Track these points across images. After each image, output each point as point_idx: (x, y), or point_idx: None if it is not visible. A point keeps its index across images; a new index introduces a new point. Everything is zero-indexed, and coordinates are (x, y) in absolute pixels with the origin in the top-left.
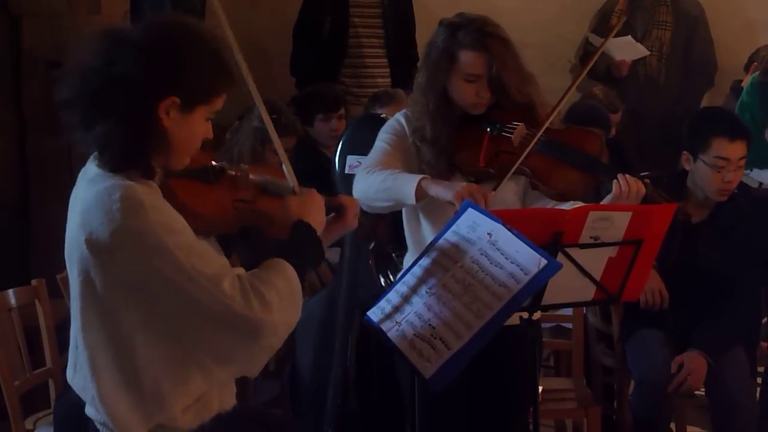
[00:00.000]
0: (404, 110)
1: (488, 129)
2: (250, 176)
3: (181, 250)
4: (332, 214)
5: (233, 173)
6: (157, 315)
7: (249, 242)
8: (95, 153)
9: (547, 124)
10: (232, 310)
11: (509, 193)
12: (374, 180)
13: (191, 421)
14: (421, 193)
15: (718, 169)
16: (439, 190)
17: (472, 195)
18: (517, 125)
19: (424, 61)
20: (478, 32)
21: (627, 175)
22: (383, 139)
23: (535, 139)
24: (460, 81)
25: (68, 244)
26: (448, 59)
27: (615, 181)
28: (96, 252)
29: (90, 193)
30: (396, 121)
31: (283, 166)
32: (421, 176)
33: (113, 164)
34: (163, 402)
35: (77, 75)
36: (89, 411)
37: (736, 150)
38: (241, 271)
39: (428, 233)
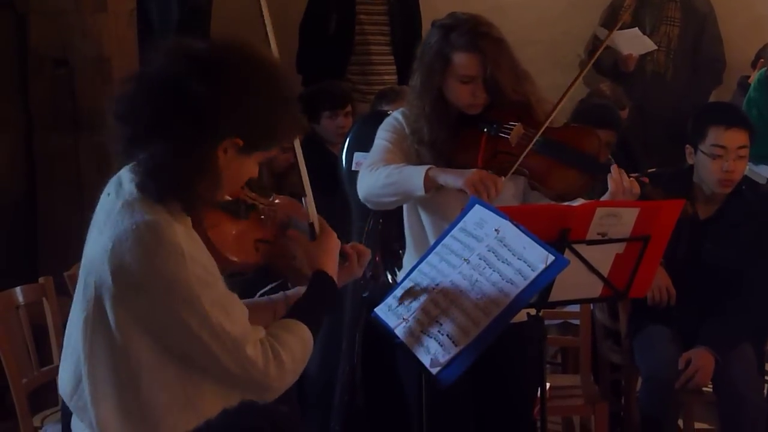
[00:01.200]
0: (402, 109)
1: (485, 129)
2: (277, 214)
3: (212, 306)
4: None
5: (262, 208)
6: (170, 360)
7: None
8: (135, 170)
9: (546, 125)
10: (251, 375)
11: (508, 194)
12: (379, 176)
13: None
14: (429, 183)
15: (715, 157)
16: (449, 178)
17: (482, 181)
18: (515, 125)
19: (419, 64)
20: (471, 33)
21: (621, 171)
22: (383, 137)
23: (534, 140)
24: (455, 82)
25: (88, 260)
26: (442, 61)
27: (610, 175)
28: (122, 285)
29: (126, 221)
30: (395, 119)
31: (303, 201)
32: (428, 166)
33: (157, 194)
34: None
35: (137, 86)
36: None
37: (733, 138)
38: (263, 333)
39: (429, 230)
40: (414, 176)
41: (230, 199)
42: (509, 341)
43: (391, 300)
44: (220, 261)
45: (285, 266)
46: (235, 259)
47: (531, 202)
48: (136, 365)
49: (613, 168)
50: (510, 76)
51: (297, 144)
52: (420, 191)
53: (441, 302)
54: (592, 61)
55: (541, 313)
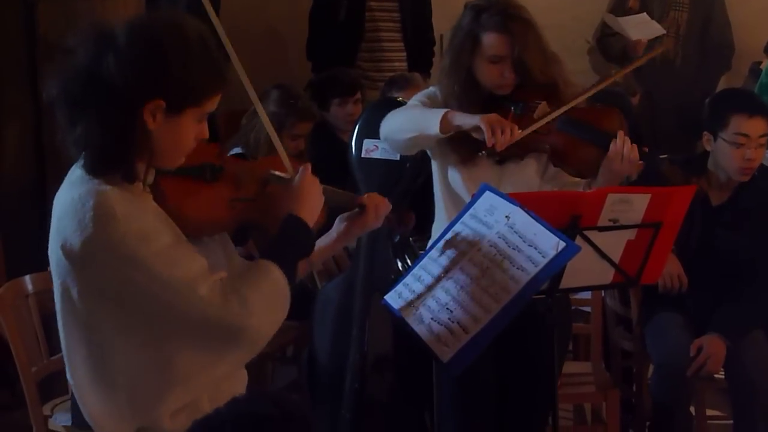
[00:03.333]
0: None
1: (512, 108)
2: (253, 172)
3: (154, 257)
4: (355, 210)
5: (232, 168)
6: (134, 323)
7: (252, 236)
8: (77, 151)
9: (569, 106)
10: (210, 314)
11: (530, 170)
12: (401, 114)
13: (183, 424)
14: (446, 125)
15: (738, 145)
16: (466, 119)
17: (499, 121)
18: (539, 103)
19: (450, 45)
20: (501, 14)
21: (626, 137)
22: (418, 99)
23: (553, 115)
24: (485, 63)
25: (50, 246)
26: (471, 42)
27: (612, 140)
28: (70, 260)
29: (67, 197)
30: (431, 89)
31: (279, 152)
32: (446, 109)
33: (93, 167)
34: (139, 410)
35: (64, 71)
36: None
37: (756, 126)
38: (223, 274)
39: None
40: (432, 115)
41: (195, 165)
42: (531, 326)
43: (401, 287)
44: (189, 224)
45: (273, 221)
46: (206, 219)
47: (550, 179)
48: (104, 333)
49: (619, 134)
50: (538, 58)
51: (250, 91)
52: (435, 129)
53: (451, 289)
54: (628, 69)
55: (552, 299)
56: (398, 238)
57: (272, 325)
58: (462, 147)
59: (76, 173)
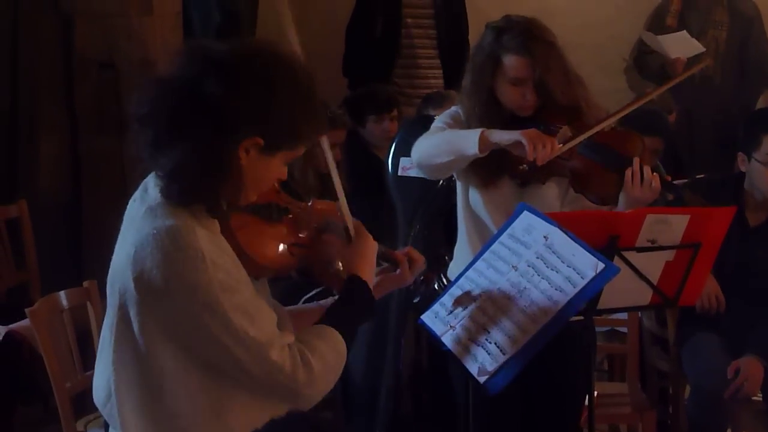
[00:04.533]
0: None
1: None
2: (311, 217)
3: (235, 311)
4: (389, 266)
5: (297, 212)
6: (193, 369)
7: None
8: (158, 174)
9: (592, 132)
10: (278, 380)
11: (551, 194)
12: (434, 138)
13: None
14: (484, 142)
15: None
16: (504, 135)
17: (539, 135)
18: (561, 127)
19: (471, 65)
20: (523, 36)
21: (642, 165)
22: (442, 121)
23: (576, 140)
24: (506, 84)
25: (113, 269)
26: (492, 63)
27: (628, 167)
28: (143, 292)
29: (148, 226)
30: (455, 110)
31: (338, 204)
32: (482, 129)
33: (180, 197)
34: None
35: (157, 88)
36: None
37: None
38: (291, 339)
39: (482, 233)
40: (469, 135)
41: (262, 203)
42: (559, 347)
43: (438, 307)
44: (251, 266)
45: (323, 271)
46: (268, 263)
47: (570, 204)
48: (160, 373)
49: (635, 160)
50: (560, 80)
51: (326, 145)
52: (474, 149)
53: (488, 310)
54: (661, 90)
55: (590, 321)
56: (419, 299)
57: (328, 390)
58: (483, 170)
59: (153, 197)
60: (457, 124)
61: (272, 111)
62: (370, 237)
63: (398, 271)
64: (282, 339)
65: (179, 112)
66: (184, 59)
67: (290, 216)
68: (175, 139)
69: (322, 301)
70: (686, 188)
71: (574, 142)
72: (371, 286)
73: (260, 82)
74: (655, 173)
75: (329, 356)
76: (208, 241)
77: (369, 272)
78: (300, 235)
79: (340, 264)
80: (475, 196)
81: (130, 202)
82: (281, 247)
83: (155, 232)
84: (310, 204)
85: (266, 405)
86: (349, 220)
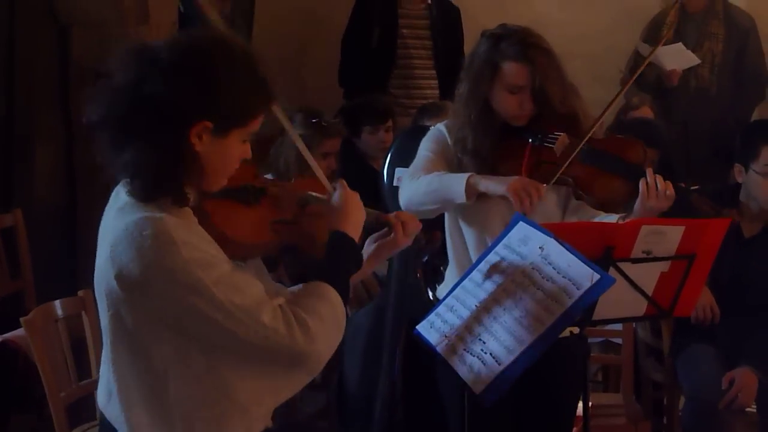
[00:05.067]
0: (445, 121)
1: (530, 140)
2: (291, 193)
3: (216, 285)
4: (384, 230)
5: (274, 190)
6: (194, 351)
7: (294, 255)
8: (121, 176)
9: (590, 134)
10: (274, 342)
11: (550, 203)
12: (421, 184)
13: None
14: (471, 190)
15: None
16: (490, 185)
17: (524, 188)
18: (559, 135)
19: (466, 72)
20: (522, 43)
21: (656, 175)
22: (426, 147)
23: (579, 148)
24: (503, 92)
25: (97, 274)
26: (490, 70)
27: (642, 178)
28: (127, 288)
29: (120, 224)
30: (438, 130)
31: (316, 172)
32: (469, 174)
33: (144, 193)
34: None
35: (106, 94)
36: None
37: None
38: (281, 300)
39: (471, 246)
40: (455, 183)
41: (236, 186)
42: (552, 358)
43: (433, 317)
44: (234, 247)
45: (311, 243)
46: (250, 242)
47: (572, 212)
48: (160, 362)
49: (648, 171)
50: (558, 88)
51: (280, 112)
52: (461, 198)
53: (484, 320)
54: (634, 77)
55: (585, 331)
56: (426, 258)
57: (332, 348)
58: None
59: (122, 199)
60: (441, 147)
61: (213, 93)
62: (355, 194)
63: (393, 234)
64: (271, 302)
65: (126, 114)
66: (124, 63)
67: (268, 196)
68: (128, 140)
69: None
70: (694, 192)
71: (563, 168)
72: (354, 237)
73: (196, 69)
74: (668, 181)
75: (323, 309)
76: (177, 225)
77: (351, 224)
78: (282, 212)
79: (323, 236)
80: (470, 207)
81: (105, 210)
82: (262, 225)
83: (125, 227)
84: (291, 182)
85: (273, 377)
86: (327, 186)
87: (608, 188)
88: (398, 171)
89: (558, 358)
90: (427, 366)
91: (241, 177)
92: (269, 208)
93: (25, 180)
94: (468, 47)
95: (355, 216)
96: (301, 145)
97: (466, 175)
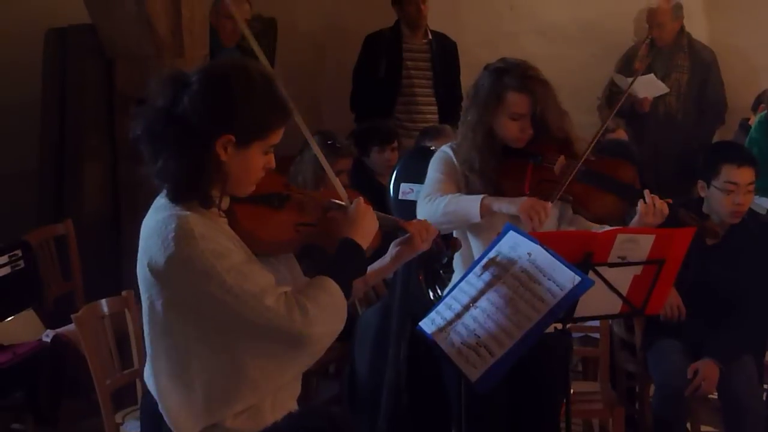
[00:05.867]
0: (451, 143)
1: (531, 161)
2: (315, 200)
3: (228, 272)
4: (406, 236)
5: (299, 197)
6: (210, 331)
7: (312, 256)
8: (157, 181)
9: (585, 156)
10: (277, 324)
11: (552, 217)
12: (438, 206)
13: (243, 425)
14: (485, 210)
15: (728, 192)
16: (503, 206)
17: (533, 207)
18: (558, 158)
19: (473, 102)
20: (523, 76)
21: (653, 195)
22: (436, 169)
23: (577, 168)
24: (506, 119)
25: (138, 265)
26: (495, 100)
27: (641, 200)
28: (156, 275)
29: (152, 221)
30: (444, 153)
31: (335, 184)
32: (482, 196)
33: (174, 195)
34: (212, 409)
35: (146, 114)
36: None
37: (744, 175)
38: (287, 288)
39: (477, 253)
40: (470, 205)
41: (265, 193)
42: (541, 352)
43: (434, 315)
44: (259, 244)
45: (332, 245)
46: (274, 240)
47: (569, 225)
48: (185, 341)
49: (646, 192)
50: (555, 115)
51: (301, 122)
52: (476, 218)
53: (479, 317)
54: (617, 107)
55: (567, 327)
56: (446, 259)
57: (330, 334)
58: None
59: (160, 201)
60: (449, 168)
61: (235, 111)
62: (369, 208)
63: (412, 240)
64: (277, 289)
65: (162, 130)
66: (162, 87)
67: (292, 201)
68: (162, 151)
69: None
70: (681, 207)
71: (563, 187)
72: (363, 245)
73: (220, 89)
74: (663, 201)
75: (322, 298)
76: (200, 222)
77: (360, 233)
78: (305, 216)
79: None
80: (475, 225)
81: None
82: (286, 226)
83: (156, 223)
84: (314, 192)
85: (279, 356)
86: (342, 194)
87: (602, 204)
88: (403, 186)
89: (544, 350)
90: (429, 358)
91: (272, 185)
92: (294, 212)
93: (75, 194)
94: (464, 77)
95: (365, 227)
96: (321, 158)
97: (479, 197)
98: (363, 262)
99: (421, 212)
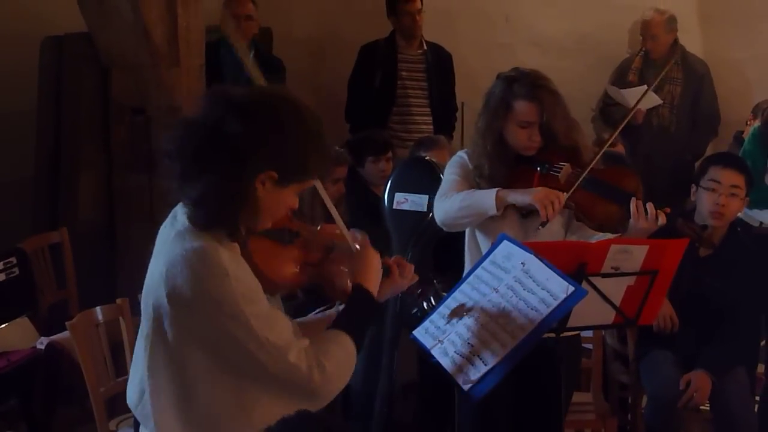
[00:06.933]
0: (466, 149)
1: (538, 168)
2: (319, 239)
3: (256, 319)
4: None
5: (306, 235)
6: (223, 371)
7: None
8: (185, 203)
9: (592, 165)
10: (296, 379)
11: (556, 224)
12: (454, 201)
13: None
14: (500, 203)
15: (711, 191)
16: (518, 197)
17: (547, 196)
18: (564, 165)
19: (483, 109)
20: (532, 85)
21: (648, 203)
22: (452, 172)
23: (582, 178)
24: (515, 127)
25: (147, 286)
26: (504, 108)
27: (632, 203)
28: (175, 306)
29: (178, 248)
30: (460, 157)
31: (338, 224)
32: (497, 189)
33: (204, 223)
34: None
35: (184, 127)
36: None
37: (727, 175)
38: (306, 342)
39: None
40: (486, 198)
41: (276, 227)
42: (545, 359)
43: (427, 323)
44: (266, 283)
45: (331, 287)
46: (281, 280)
47: (574, 232)
48: (193, 376)
49: (633, 199)
50: (563, 124)
51: (318, 183)
52: (492, 210)
53: (472, 326)
54: (625, 122)
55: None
56: (416, 310)
57: (341, 387)
58: None
59: (181, 222)
60: (464, 171)
61: (285, 148)
62: (374, 252)
63: (391, 276)
64: (299, 343)
65: (203, 148)
66: (207, 102)
67: (301, 239)
68: (200, 172)
69: (327, 311)
70: (678, 217)
71: (575, 186)
72: (374, 293)
73: (273, 123)
74: (659, 209)
75: (340, 356)
76: (230, 259)
77: (372, 281)
78: (310, 255)
79: (348, 280)
80: (484, 226)
81: (161, 228)
82: (293, 265)
83: (184, 252)
84: (318, 228)
85: (287, 404)
86: (348, 235)
87: (606, 212)
88: (397, 195)
89: (547, 359)
90: (422, 367)
91: (280, 219)
92: (301, 250)
93: (70, 202)
94: (459, 88)
95: (375, 273)
96: (326, 199)
97: (494, 190)
98: (376, 311)
99: (439, 208)
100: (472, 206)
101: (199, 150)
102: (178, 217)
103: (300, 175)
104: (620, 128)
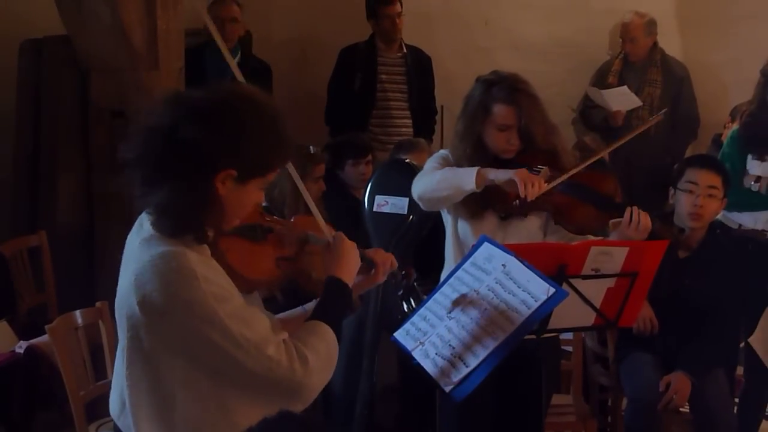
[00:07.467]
0: (448, 149)
1: None
2: (293, 232)
3: (230, 318)
4: (365, 265)
5: (279, 229)
6: (201, 376)
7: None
8: (149, 211)
9: (570, 174)
10: (278, 375)
11: (534, 226)
12: (434, 176)
13: None
14: (480, 180)
15: (689, 192)
16: (499, 174)
17: (529, 176)
18: (542, 168)
19: (462, 112)
20: (510, 88)
21: (637, 209)
22: (435, 161)
23: (557, 182)
24: (493, 130)
25: (119, 297)
26: (483, 111)
27: (627, 208)
28: (148, 314)
29: (145, 255)
30: (442, 154)
31: (315, 215)
32: (478, 167)
33: (170, 229)
34: None
35: (142, 135)
36: None
37: (704, 176)
38: (285, 335)
39: (468, 242)
40: (466, 173)
41: (247, 225)
42: (526, 360)
43: (408, 326)
44: (242, 282)
45: (308, 280)
46: (257, 278)
47: (551, 234)
48: (171, 386)
49: (627, 208)
50: (541, 128)
51: (292, 168)
52: (471, 185)
53: (453, 328)
54: (631, 137)
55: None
56: (401, 291)
57: (325, 381)
58: (471, 204)
59: (147, 230)
60: (448, 165)
61: (241, 145)
62: (350, 243)
63: (373, 271)
64: (276, 337)
65: (162, 155)
66: (163, 108)
67: (274, 234)
68: (160, 179)
69: (306, 305)
70: (657, 219)
71: (558, 180)
72: (349, 283)
73: (229, 121)
74: (644, 215)
75: (320, 347)
76: (199, 261)
77: (347, 272)
78: (284, 249)
79: (323, 271)
80: (465, 227)
81: (128, 237)
82: (268, 261)
83: (151, 259)
84: (292, 220)
85: (270, 402)
86: (324, 228)
87: (584, 216)
88: (378, 198)
89: (528, 360)
90: (403, 369)
91: (251, 215)
92: (274, 246)
93: (48, 205)
94: (438, 91)
95: (351, 264)
96: (304, 192)
97: (476, 168)
98: (351, 301)
99: (417, 184)
100: (452, 180)
101: (158, 158)
102: (144, 225)
103: (260, 170)
104: (616, 145)
